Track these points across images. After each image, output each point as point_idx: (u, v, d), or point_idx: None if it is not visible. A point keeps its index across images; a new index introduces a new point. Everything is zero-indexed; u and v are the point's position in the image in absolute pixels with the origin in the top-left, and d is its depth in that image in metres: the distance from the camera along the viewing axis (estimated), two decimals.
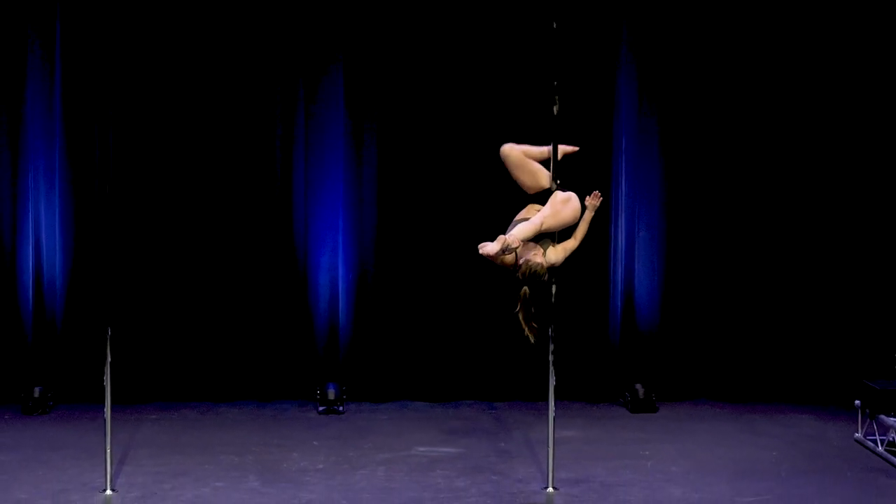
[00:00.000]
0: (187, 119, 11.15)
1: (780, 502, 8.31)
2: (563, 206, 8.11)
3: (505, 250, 7.74)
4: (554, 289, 8.47)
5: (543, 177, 8.31)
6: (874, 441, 9.66)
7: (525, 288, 7.91)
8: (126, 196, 11.02)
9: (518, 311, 7.90)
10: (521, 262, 7.97)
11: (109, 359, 8.48)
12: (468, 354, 11.27)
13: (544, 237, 8.06)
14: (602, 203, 8.32)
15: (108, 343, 8.49)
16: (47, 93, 10.97)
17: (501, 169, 11.24)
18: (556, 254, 8.07)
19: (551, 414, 8.58)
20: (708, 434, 10.22)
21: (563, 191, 8.19)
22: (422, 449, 9.71)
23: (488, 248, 7.72)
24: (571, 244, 8.17)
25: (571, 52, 11.02)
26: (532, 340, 7.94)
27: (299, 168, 11.25)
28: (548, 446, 8.57)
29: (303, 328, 11.29)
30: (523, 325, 7.90)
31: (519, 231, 7.91)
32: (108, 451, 8.46)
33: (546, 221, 8.01)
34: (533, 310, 7.92)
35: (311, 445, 9.79)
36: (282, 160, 11.27)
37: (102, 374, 8.56)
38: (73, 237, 11.09)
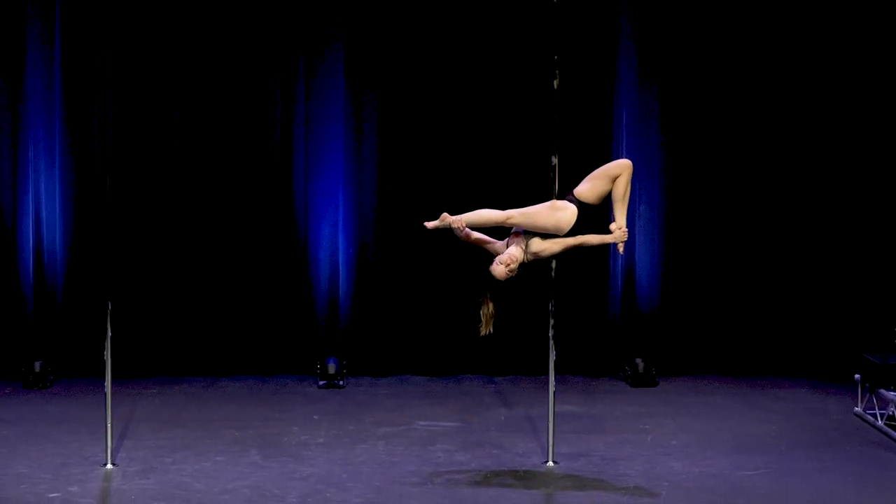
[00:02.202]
0: (188, 94, 11.13)
1: (779, 476, 8.32)
2: (549, 211, 7.87)
3: (453, 230, 7.78)
4: (554, 263, 8.45)
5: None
6: (874, 415, 9.67)
7: (487, 294, 7.91)
8: (126, 170, 11.01)
9: (480, 303, 7.91)
10: (497, 257, 7.87)
11: (110, 333, 8.47)
12: (468, 329, 11.24)
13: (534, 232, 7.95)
14: None
15: (109, 317, 8.48)
16: (47, 65, 10.94)
17: (502, 144, 11.27)
18: (541, 244, 7.87)
19: (551, 388, 8.59)
20: (708, 408, 10.23)
21: (568, 201, 7.91)
22: (422, 423, 9.72)
23: (429, 223, 7.82)
24: (571, 242, 7.89)
25: (572, 27, 10.99)
26: (482, 333, 7.94)
27: (299, 143, 11.24)
28: (548, 420, 8.58)
29: (303, 303, 11.30)
30: (481, 318, 7.91)
31: (471, 215, 7.81)
32: (109, 425, 8.46)
33: (515, 217, 7.83)
34: (491, 308, 7.90)
35: (312, 420, 9.80)
36: (282, 135, 11.26)
37: (103, 348, 8.57)
38: (74, 211, 11.09)
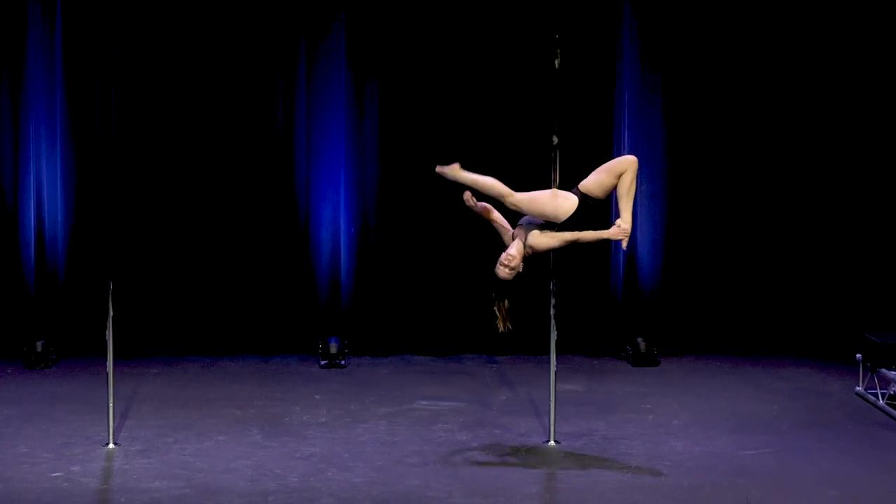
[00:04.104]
0: (190, 73, 11.12)
1: (780, 455, 8.33)
2: (550, 197, 7.92)
3: (461, 187, 7.94)
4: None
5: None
6: (875, 395, 9.67)
7: (494, 295, 7.99)
8: (128, 149, 11.01)
9: (495, 303, 8.00)
10: (500, 258, 7.93)
11: (112, 313, 8.48)
12: (470, 308, 11.27)
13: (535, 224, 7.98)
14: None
15: (111, 297, 8.49)
16: (48, 44, 10.92)
17: (504, 124, 11.26)
18: (539, 238, 7.92)
19: (553, 368, 8.59)
20: (709, 388, 10.24)
21: (569, 192, 7.95)
22: (424, 403, 9.73)
23: (439, 168, 8.07)
24: (569, 237, 7.92)
25: (573, 5, 10.97)
26: (500, 329, 8.02)
27: (301, 123, 11.23)
28: (549, 400, 8.59)
29: (305, 282, 11.30)
30: (497, 315, 8.00)
31: (479, 178, 7.95)
32: (111, 404, 8.47)
33: (517, 196, 7.89)
34: (507, 304, 7.98)
35: (313, 399, 9.81)
36: (284, 115, 11.24)
37: (105, 328, 8.57)
38: (75, 190, 11.09)
